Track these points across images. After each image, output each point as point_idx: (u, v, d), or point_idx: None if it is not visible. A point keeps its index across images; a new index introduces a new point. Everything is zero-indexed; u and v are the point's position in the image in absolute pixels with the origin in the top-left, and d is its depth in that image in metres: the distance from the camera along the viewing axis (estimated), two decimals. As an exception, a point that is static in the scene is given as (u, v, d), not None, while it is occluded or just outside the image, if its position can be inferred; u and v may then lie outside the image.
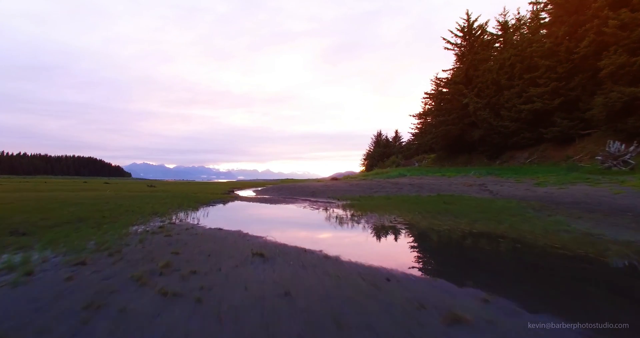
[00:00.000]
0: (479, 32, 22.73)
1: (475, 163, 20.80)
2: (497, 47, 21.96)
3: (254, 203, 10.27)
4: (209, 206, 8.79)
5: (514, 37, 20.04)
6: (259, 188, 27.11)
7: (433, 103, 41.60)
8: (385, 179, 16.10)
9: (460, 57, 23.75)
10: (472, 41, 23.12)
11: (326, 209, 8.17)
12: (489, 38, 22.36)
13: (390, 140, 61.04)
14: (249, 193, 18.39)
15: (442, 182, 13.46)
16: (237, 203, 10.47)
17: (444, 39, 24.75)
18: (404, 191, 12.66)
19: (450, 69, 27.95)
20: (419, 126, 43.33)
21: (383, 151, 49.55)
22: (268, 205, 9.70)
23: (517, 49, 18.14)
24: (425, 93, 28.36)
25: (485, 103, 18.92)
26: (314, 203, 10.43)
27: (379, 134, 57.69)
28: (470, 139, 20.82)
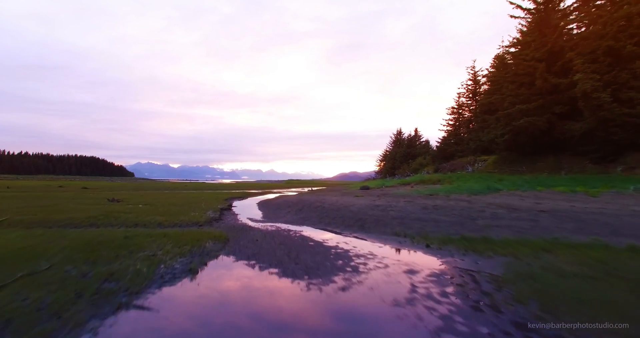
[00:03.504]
0: (569, -13, 16.70)
1: (570, 168, 14.71)
2: (604, 4, 15.82)
3: (266, 275, 4.33)
4: (155, 296, 2.93)
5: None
6: (269, 197, 21.02)
7: (469, 95, 35.53)
8: (470, 196, 10.14)
9: (538, 25, 17.64)
10: (555, 3, 17.08)
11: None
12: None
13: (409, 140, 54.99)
14: (253, 212, 12.46)
15: (605, 209, 7.54)
16: (227, 278, 4.56)
17: (511, 2, 18.72)
18: (547, 227, 6.69)
19: (513, 44, 21.84)
20: (451, 122, 37.26)
21: (407, 152, 43.41)
22: (304, 295, 3.75)
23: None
24: (482, 75, 22.20)
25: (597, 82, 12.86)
26: (399, 267, 4.49)
27: (399, 133, 51.59)
28: (563, 135, 14.75)
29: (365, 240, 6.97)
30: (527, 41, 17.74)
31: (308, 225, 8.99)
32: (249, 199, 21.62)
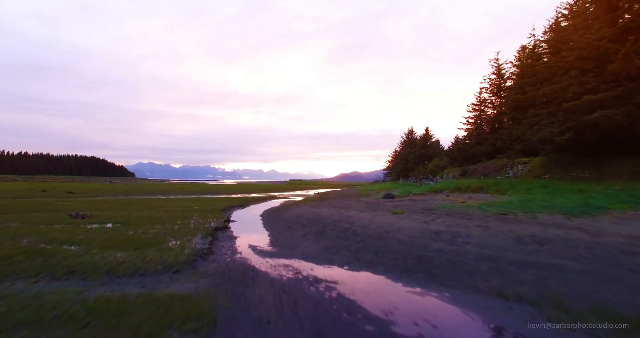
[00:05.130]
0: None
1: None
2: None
3: None
4: None
5: None
6: (274, 204, 17.66)
7: (493, 90, 32.34)
8: (571, 219, 7.11)
9: (603, -1, 14.50)
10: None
11: None
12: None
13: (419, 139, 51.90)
14: (257, 234, 9.46)
15: None
16: None
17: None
18: None
19: (554, 28, 18.76)
20: (471, 120, 34.18)
21: (421, 152, 40.28)
22: None
23: None
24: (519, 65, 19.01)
25: None
26: None
27: (411, 132, 48.47)
28: (648, 133, 11.68)
29: (455, 306, 3.99)
30: (585, 20, 14.64)
31: (341, 264, 5.98)
32: (252, 207, 18.69)
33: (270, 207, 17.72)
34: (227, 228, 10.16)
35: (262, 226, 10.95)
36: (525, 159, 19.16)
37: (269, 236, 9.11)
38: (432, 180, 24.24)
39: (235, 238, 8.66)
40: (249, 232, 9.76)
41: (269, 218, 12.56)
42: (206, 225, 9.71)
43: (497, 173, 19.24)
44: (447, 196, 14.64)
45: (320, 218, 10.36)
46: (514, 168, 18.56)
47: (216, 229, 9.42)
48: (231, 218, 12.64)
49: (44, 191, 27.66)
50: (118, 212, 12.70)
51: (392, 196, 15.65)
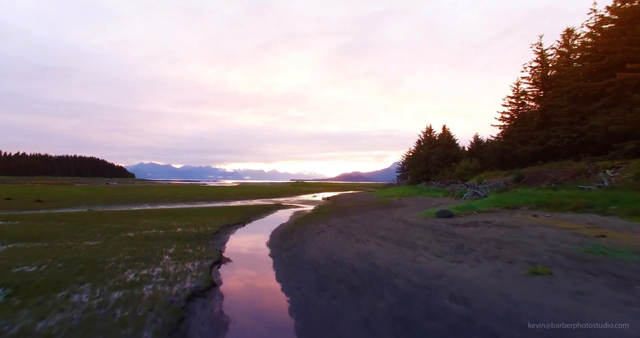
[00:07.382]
0: None
1: None
2: None
3: None
4: None
5: None
6: (284, 219, 11.89)
7: (536, 80, 27.83)
8: None
9: None
10: None
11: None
12: None
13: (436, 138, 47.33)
14: (266, 314, 5.05)
15: None
16: None
17: None
18: None
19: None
20: (506, 117, 29.70)
21: (446, 153, 35.68)
22: None
23: None
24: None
25: None
26: None
27: (429, 131, 43.85)
28: None
29: None
30: None
31: None
32: (255, 224, 14.35)
33: (279, 225, 13.38)
34: (214, 286, 5.74)
35: (274, 279, 6.51)
36: (613, 164, 14.65)
37: (291, 315, 4.69)
38: (474, 188, 19.76)
39: (226, 326, 4.26)
40: (251, 301, 5.34)
41: (283, 257, 8.12)
42: (176, 287, 5.30)
43: (573, 180, 14.76)
44: (535, 216, 10.20)
45: (379, 271, 5.90)
46: (601, 171, 14.08)
47: (192, 296, 5.03)
48: (225, 254, 8.27)
49: (8, 199, 23.37)
50: (54, 244, 8.34)
51: (451, 215, 11.21)
